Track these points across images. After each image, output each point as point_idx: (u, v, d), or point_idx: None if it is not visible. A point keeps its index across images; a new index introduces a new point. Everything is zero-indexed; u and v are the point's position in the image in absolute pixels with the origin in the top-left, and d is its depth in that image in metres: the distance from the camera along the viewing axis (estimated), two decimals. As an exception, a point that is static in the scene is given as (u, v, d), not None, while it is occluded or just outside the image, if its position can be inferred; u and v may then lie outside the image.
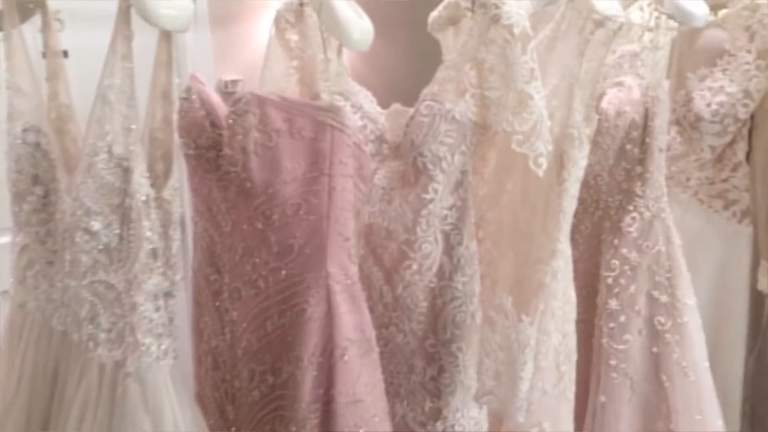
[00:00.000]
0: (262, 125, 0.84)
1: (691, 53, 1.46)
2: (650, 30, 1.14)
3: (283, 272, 0.87)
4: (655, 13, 1.13)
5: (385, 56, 2.01)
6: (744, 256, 1.41)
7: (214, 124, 0.90)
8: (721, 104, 1.33)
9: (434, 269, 1.03)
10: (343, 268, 0.88)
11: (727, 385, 1.41)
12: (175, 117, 0.91)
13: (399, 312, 1.06)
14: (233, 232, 0.91)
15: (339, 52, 1.10)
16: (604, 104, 1.22)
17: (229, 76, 2.00)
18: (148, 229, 0.85)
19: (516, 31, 0.88)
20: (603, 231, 1.26)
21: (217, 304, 0.95)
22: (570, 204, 1.07)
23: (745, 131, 1.36)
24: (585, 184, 1.27)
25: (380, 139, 1.05)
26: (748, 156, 1.37)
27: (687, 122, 1.37)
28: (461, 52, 0.93)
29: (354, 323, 0.89)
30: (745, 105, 1.32)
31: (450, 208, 1.01)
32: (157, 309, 0.87)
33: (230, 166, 0.87)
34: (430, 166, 0.97)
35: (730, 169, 1.38)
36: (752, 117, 1.36)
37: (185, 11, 0.85)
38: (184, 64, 1.72)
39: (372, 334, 0.93)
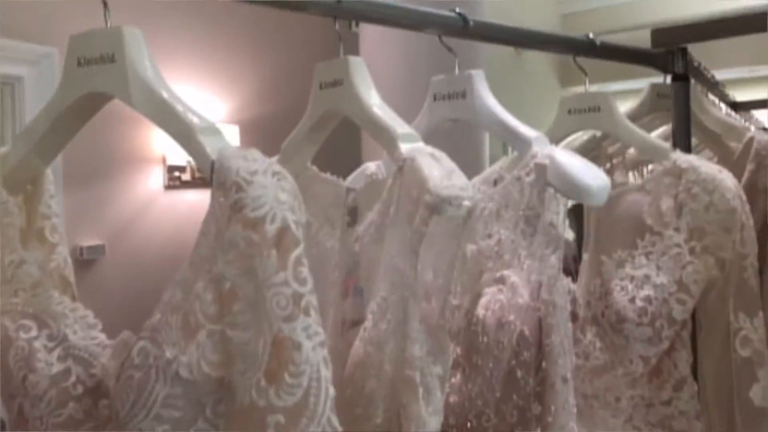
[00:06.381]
0: None
1: (610, 223, 1.12)
2: (531, 209, 0.79)
3: None
4: (537, 186, 0.79)
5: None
6: None
7: None
8: (648, 300, 0.97)
9: None
10: None
11: None
12: None
13: None
14: None
15: None
16: (480, 310, 0.84)
17: None
18: None
19: (269, 229, 0.50)
20: (494, 499, 0.83)
21: None
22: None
23: (686, 336, 0.99)
24: (461, 427, 0.87)
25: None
26: (695, 370, 1.00)
27: (607, 323, 1.00)
28: (192, 261, 0.55)
29: None
30: (681, 302, 0.96)
31: None
32: None
33: None
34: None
35: (672, 387, 0.99)
36: (693, 318, 1.00)
37: None
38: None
39: None
